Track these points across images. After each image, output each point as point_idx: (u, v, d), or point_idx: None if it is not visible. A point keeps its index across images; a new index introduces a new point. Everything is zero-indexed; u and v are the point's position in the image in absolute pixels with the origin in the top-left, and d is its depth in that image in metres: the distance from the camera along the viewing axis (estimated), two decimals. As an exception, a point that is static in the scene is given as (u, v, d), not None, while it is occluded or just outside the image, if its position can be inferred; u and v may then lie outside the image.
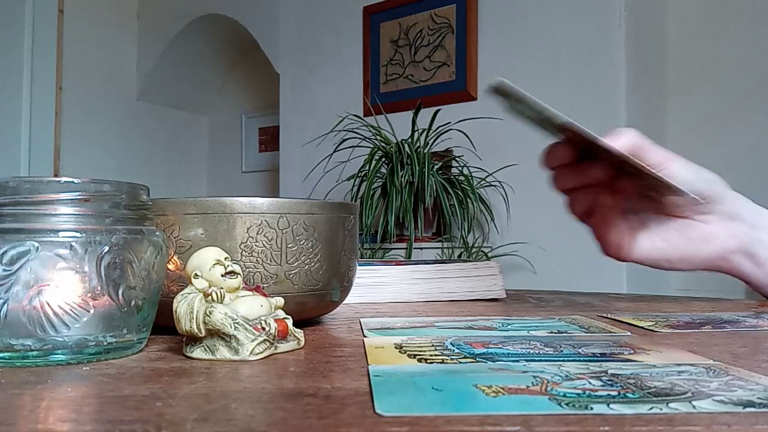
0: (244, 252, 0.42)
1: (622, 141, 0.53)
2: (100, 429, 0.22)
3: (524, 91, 0.47)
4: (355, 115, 2.65)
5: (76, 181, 0.33)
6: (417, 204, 2.38)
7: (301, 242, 0.43)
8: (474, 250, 2.42)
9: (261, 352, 0.33)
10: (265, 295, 0.37)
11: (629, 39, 2.35)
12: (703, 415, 0.22)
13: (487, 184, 2.45)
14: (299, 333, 0.37)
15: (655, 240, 0.58)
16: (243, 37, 3.47)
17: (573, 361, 0.31)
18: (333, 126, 2.64)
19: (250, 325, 0.34)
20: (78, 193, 0.33)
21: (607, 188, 0.57)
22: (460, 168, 2.51)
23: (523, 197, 2.39)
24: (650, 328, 0.43)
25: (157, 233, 0.37)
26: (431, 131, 2.48)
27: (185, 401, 0.25)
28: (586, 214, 0.59)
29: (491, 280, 0.67)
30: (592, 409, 0.23)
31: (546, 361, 0.31)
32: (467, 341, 0.37)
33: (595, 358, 0.32)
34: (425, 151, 2.43)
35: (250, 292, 0.36)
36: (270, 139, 3.89)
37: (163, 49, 3.66)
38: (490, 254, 2.41)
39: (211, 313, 0.33)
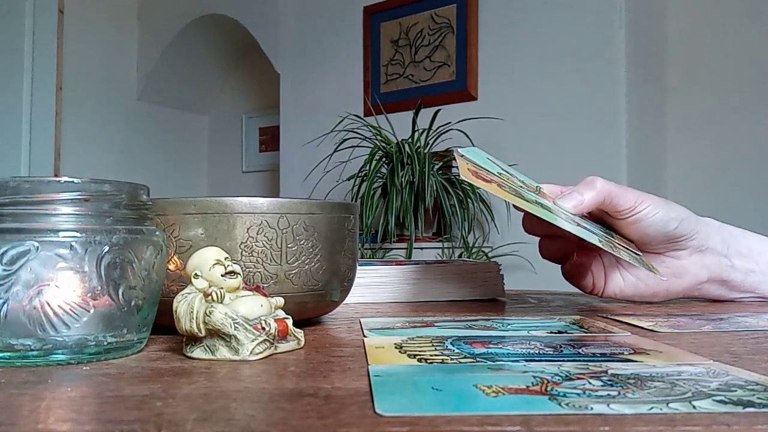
0: (244, 252, 0.42)
1: (590, 195, 0.54)
2: (100, 429, 0.22)
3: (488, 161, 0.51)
4: (355, 115, 2.66)
5: (76, 181, 0.33)
6: (417, 204, 2.38)
7: (301, 242, 0.43)
8: (474, 250, 2.42)
9: (261, 352, 0.33)
10: (265, 295, 0.37)
11: (629, 39, 2.35)
12: (703, 415, 0.22)
13: (488, 183, 2.44)
14: (299, 333, 0.37)
15: (627, 277, 0.59)
16: (243, 37, 3.47)
17: (573, 361, 0.31)
18: (333, 126, 2.64)
19: (250, 325, 0.34)
20: (78, 193, 0.33)
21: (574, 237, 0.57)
22: (460, 168, 2.51)
23: (524, 197, 2.39)
24: (650, 328, 0.43)
25: (157, 233, 0.37)
26: (431, 131, 2.49)
27: (185, 401, 0.25)
28: (558, 258, 0.60)
29: (491, 280, 0.67)
30: (592, 409, 0.23)
31: (546, 361, 0.31)
32: (467, 341, 0.37)
33: (595, 358, 0.32)
34: (425, 151, 2.43)
35: (250, 292, 0.36)
36: (270, 139, 3.89)
37: (163, 49, 3.66)
38: (490, 254, 2.42)
39: (211, 313, 0.33)
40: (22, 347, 0.31)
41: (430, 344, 0.36)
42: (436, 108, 2.55)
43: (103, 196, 0.34)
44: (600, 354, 0.33)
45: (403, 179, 2.37)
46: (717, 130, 2.53)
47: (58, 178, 0.33)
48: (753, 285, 0.61)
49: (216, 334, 0.33)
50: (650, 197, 0.56)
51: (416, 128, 2.48)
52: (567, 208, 0.54)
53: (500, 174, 0.55)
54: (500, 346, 0.35)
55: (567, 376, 0.28)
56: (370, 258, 2.18)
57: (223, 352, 0.33)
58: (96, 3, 3.51)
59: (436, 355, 0.33)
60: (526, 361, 0.31)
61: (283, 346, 0.35)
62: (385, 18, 2.94)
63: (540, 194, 0.56)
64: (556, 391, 0.25)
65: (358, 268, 0.52)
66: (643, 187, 0.58)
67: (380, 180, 2.50)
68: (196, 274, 0.35)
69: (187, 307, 0.34)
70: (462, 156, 0.54)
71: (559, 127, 2.44)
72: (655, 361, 0.31)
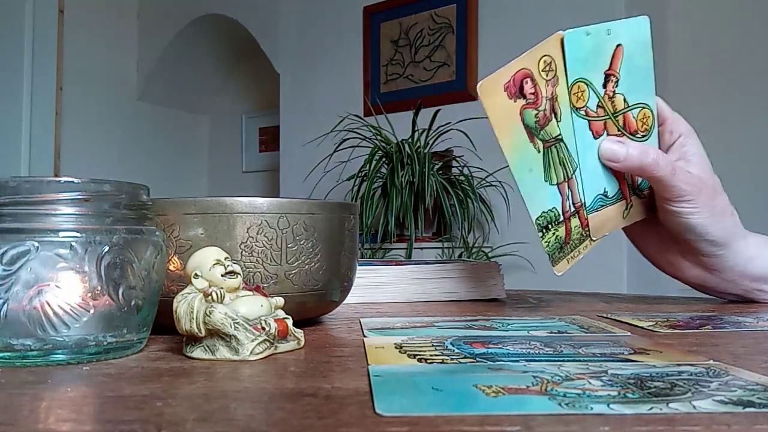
0: (244, 252, 0.42)
1: (632, 162, 0.53)
2: (100, 429, 0.22)
3: None
4: (355, 115, 2.66)
5: (76, 181, 0.33)
6: (417, 204, 2.38)
7: (301, 242, 0.43)
8: (474, 250, 2.42)
9: (261, 352, 0.33)
10: (265, 295, 0.37)
11: (629, 39, 2.34)
12: (703, 415, 0.22)
13: (488, 183, 2.45)
14: (299, 333, 0.37)
15: (638, 229, 0.59)
16: (243, 37, 3.47)
17: (573, 361, 0.31)
18: (333, 126, 2.64)
19: (250, 325, 0.34)
20: (78, 193, 0.33)
21: None
22: (460, 168, 2.51)
23: (524, 197, 2.39)
24: (650, 328, 0.43)
25: (157, 233, 0.37)
26: (431, 131, 2.49)
27: (185, 401, 0.25)
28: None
29: (491, 280, 0.67)
30: (592, 409, 0.22)
31: (546, 361, 0.31)
32: (467, 341, 0.37)
33: (595, 358, 0.32)
34: (425, 151, 2.43)
35: (250, 292, 0.36)
36: (270, 139, 3.89)
37: (163, 49, 3.66)
38: (490, 254, 2.41)
39: (211, 313, 0.33)
40: (22, 347, 0.31)
41: (430, 344, 0.36)
42: (436, 108, 2.55)
43: (103, 196, 0.34)
44: (600, 354, 0.33)
45: (403, 179, 2.36)
46: (717, 131, 2.53)
47: (58, 178, 0.33)
48: (757, 297, 0.60)
49: (216, 334, 0.33)
50: (703, 200, 0.53)
51: (416, 128, 2.48)
52: (602, 156, 0.53)
53: (572, 85, 0.52)
54: (500, 346, 0.35)
55: (567, 376, 0.28)
56: (370, 258, 2.18)
57: (223, 352, 0.33)
58: (96, 3, 3.51)
59: (436, 355, 0.33)
60: (526, 361, 0.31)
61: (283, 346, 0.35)
62: (385, 18, 2.94)
63: (643, 119, 0.54)
64: (556, 391, 0.25)
65: (358, 268, 0.52)
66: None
67: (380, 180, 2.50)
68: (196, 274, 0.35)
69: (187, 307, 0.34)
70: (574, 36, 0.52)
71: (559, 127, 2.44)
72: (655, 361, 0.31)
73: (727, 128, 2.51)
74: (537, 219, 0.50)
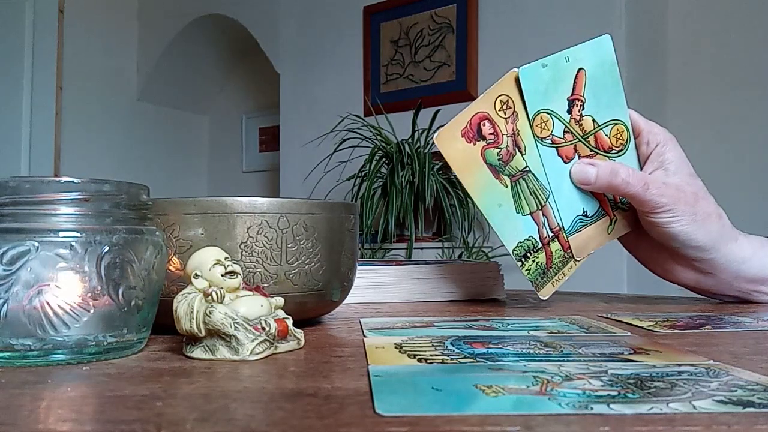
0: (244, 252, 0.42)
1: (600, 184, 0.53)
2: (100, 429, 0.22)
3: None
4: (355, 115, 2.65)
5: (76, 181, 0.33)
6: (417, 204, 2.38)
7: (301, 242, 0.43)
8: (474, 250, 2.42)
9: (261, 352, 0.33)
10: (265, 295, 0.37)
11: (629, 39, 2.35)
12: (703, 415, 0.22)
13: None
14: (299, 333, 0.37)
15: (630, 235, 0.59)
16: (243, 37, 3.47)
17: (573, 361, 0.31)
18: (333, 126, 2.64)
19: (250, 325, 0.34)
20: (78, 193, 0.33)
21: None
22: (460, 168, 2.50)
23: (523, 197, 2.39)
24: (650, 328, 0.43)
25: (157, 233, 0.37)
26: (432, 131, 2.49)
27: (185, 401, 0.25)
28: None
29: (491, 280, 0.67)
30: (592, 409, 0.23)
31: (546, 361, 0.31)
32: (467, 341, 0.37)
33: (595, 358, 0.32)
34: (426, 151, 2.43)
35: (250, 292, 0.36)
36: (270, 139, 3.89)
37: (163, 49, 3.66)
38: (490, 254, 2.41)
39: (211, 313, 0.33)
40: (22, 347, 0.31)
41: (430, 344, 0.36)
42: (436, 108, 2.54)
43: (103, 196, 0.34)
44: (600, 354, 0.33)
45: (403, 179, 2.36)
46: (717, 130, 2.53)
47: (58, 178, 0.33)
48: (755, 299, 0.60)
49: (216, 334, 0.33)
50: (682, 208, 0.53)
51: (416, 128, 2.48)
52: (573, 179, 0.54)
53: (534, 116, 0.53)
54: (500, 346, 0.35)
55: (567, 376, 0.28)
56: (370, 258, 2.18)
57: (223, 352, 0.33)
58: (96, 3, 3.50)
59: (436, 355, 0.33)
60: (526, 361, 0.31)
61: (283, 346, 0.35)
62: (385, 18, 2.94)
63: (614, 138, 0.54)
64: (556, 391, 0.25)
65: (358, 268, 0.52)
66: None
67: (380, 180, 2.50)
68: (196, 274, 0.35)
69: (187, 307, 0.34)
70: (525, 73, 0.52)
71: (559, 127, 2.44)
72: (655, 361, 0.31)
73: (727, 128, 2.51)
74: (514, 250, 0.52)
